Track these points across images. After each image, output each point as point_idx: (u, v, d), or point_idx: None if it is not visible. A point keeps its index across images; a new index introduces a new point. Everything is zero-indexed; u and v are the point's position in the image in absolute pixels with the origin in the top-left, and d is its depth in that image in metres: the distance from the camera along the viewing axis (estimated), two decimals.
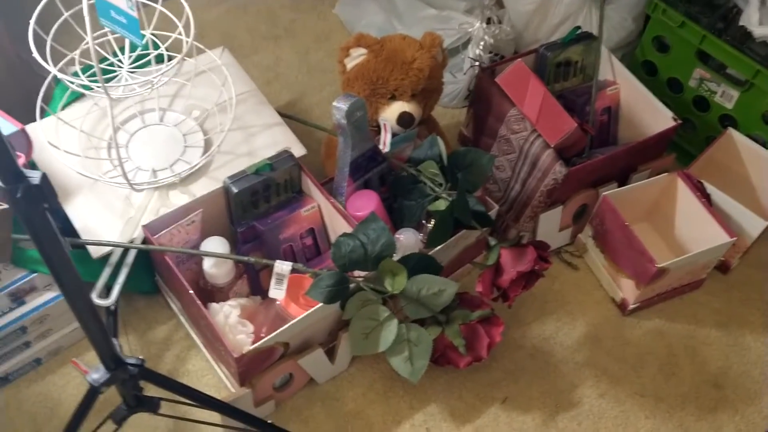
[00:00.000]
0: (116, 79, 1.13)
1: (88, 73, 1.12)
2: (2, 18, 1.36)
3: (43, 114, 1.20)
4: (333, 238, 1.25)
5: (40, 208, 0.63)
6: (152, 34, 1.15)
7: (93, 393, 0.89)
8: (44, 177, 0.62)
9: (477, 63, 1.51)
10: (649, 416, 1.25)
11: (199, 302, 1.04)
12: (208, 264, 1.13)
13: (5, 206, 0.64)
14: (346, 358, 1.24)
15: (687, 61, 1.49)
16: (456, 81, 1.63)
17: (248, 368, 1.07)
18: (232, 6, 1.83)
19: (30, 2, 1.11)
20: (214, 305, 1.12)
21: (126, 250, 1.11)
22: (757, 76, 1.38)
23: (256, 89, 1.34)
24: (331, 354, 1.19)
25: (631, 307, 1.34)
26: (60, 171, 1.16)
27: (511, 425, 1.22)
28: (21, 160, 1.05)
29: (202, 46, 1.24)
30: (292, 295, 1.11)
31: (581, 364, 1.30)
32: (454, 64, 1.64)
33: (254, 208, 1.20)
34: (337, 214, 1.19)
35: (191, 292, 1.04)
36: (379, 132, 1.28)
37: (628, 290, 1.33)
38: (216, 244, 1.13)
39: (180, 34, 1.02)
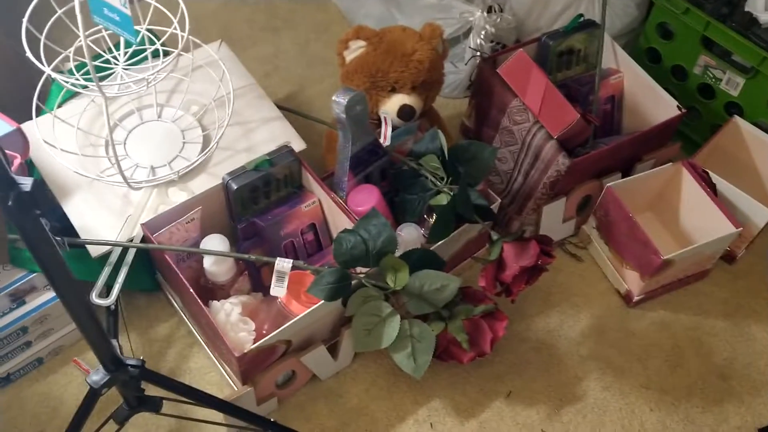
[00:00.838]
0: (112, 77, 1.12)
1: (83, 71, 1.11)
2: None
3: (40, 111, 1.19)
4: (334, 233, 1.24)
5: (33, 214, 0.62)
6: (148, 30, 1.13)
7: (94, 395, 0.88)
8: (36, 183, 0.61)
9: (478, 53, 1.49)
10: (654, 408, 1.24)
11: (199, 301, 1.04)
12: (208, 262, 1.12)
13: None
14: (349, 355, 1.23)
15: (691, 48, 1.47)
16: (457, 71, 1.62)
17: (250, 367, 1.06)
18: None
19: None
20: (215, 303, 1.11)
21: (125, 248, 1.10)
22: (763, 63, 1.35)
23: (255, 83, 1.33)
24: (333, 350, 1.19)
25: (636, 298, 1.33)
26: (57, 169, 1.15)
27: (515, 419, 1.21)
28: (17, 160, 1.04)
29: (198, 41, 1.22)
30: (293, 293, 1.10)
31: (586, 357, 1.29)
32: (455, 54, 1.62)
33: (254, 204, 1.19)
34: (338, 209, 1.18)
35: (192, 291, 1.04)
36: (379, 125, 1.26)
37: (632, 282, 1.32)
38: (216, 242, 1.12)
39: (175, 29, 1.01)
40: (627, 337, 1.32)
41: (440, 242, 1.16)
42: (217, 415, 1.09)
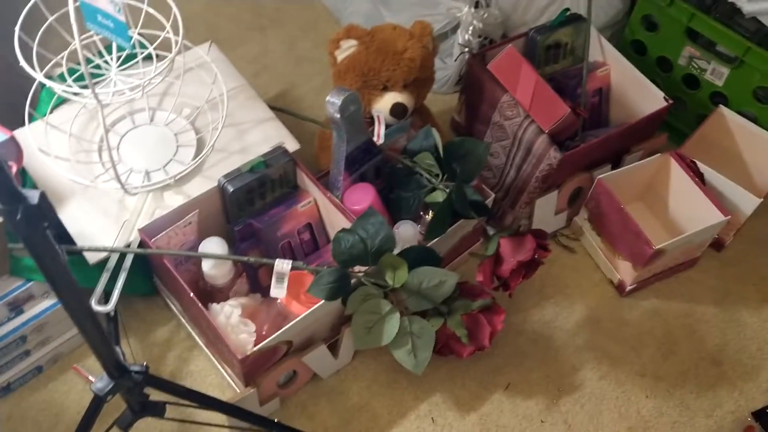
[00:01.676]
0: (105, 82, 1.11)
1: (74, 76, 1.11)
2: None
3: (31, 118, 1.18)
4: (331, 232, 1.25)
5: (41, 228, 0.62)
6: (141, 34, 1.13)
7: (98, 402, 0.89)
8: (42, 195, 0.61)
9: (467, 49, 1.50)
10: (649, 396, 1.26)
11: (200, 304, 1.04)
12: (207, 266, 1.12)
13: None
14: (350, 353, 1.24)
15: (676, 40, 1.48)
16: (446, 67, 1.62)
17: (252, 368, 1.07)
18: None
19: (11, 3, 1.08)
20: (214, 306, 1.12)
21: (123, 255, 1.10)
22: (747, 52, 1.37)
23: (246, 84, 1.33)
24: (334, 349, 1.19)
25: (629, 288, 1.35)
26: (52, 176, 1.15)
27: (514, 411, 1.23)
28: (13, 169, 1.03)
29: (189, 43, 1.22)
30: (293, 293, 1.10)
31: (581, 347, 1.31)
32: (443, 50, 1.62)
33: (250, 206, 1.19)
34: (334, 209, 1.19)
35: (192, 295, 1.04)
36: (372, 124, 1.27)
37: (625, 272, 1.34)
38: (214, 245, 1.13)
39: (168, 33, 1.00)
40: (621, 326, 1.34)
41: (437, 239, 1.17)
42: (221, 418, 1.10)
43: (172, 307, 1.26)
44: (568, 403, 1.25)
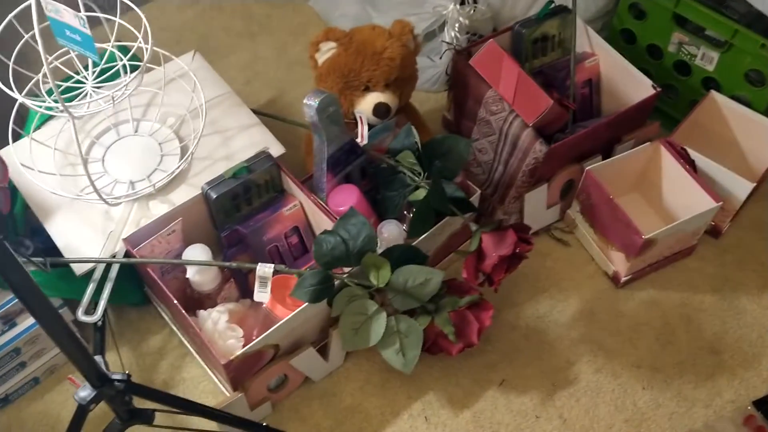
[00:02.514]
0: (81, 96, 1.12)
1: (55, 94, 1.12)
2: None
3: (20, 136, 1.20)
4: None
5: None
6: (121, 47, 1.14)
7: (82, 411, 0.89)
8: None
9: (452, 46, 1.50)
10: (646, 387, 1.25)
11: (183, 311, 1.05)
12: (191, 272, 1.13)
13: None
14: (341, 354, 1.24)
15: (664, 27, 1.46)
16: (435, 65, 1.62)
17: (239, 373, 1.07)
18: (206, 5, 1.81)
19: None
20: (202, 312, 1.12)
21: (109, 265, 1.11)
22: (736, 35, 1.35)
23: (231, 91, 1.34)
24: (324, 351, 1.19)
25: (624, 279, 1.33)
26: (38, 191, 1.17)
27: (509, 407, 1.22)
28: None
29: (168, 53, 1.23)
30: (278, 297, 1.11)
31: (577, 341, 1.30)
32: (432, 48, 1.62)
33: (236, 212, 1.20)
34: (319, 211, 1.19)
35: (176, 302, 1.05)
36: (356, 125, 1.27)
37: (619, 263, 1.33)
38: (198, 252, 1.13)
39: (140, 43, 1.01)
40: (617, 318, 1.33)
41: (422, 237, 1.17)
42: (211, 423, 1.11)
43: (164, 315, 1.27)
44: (563, 397, 1.23)
